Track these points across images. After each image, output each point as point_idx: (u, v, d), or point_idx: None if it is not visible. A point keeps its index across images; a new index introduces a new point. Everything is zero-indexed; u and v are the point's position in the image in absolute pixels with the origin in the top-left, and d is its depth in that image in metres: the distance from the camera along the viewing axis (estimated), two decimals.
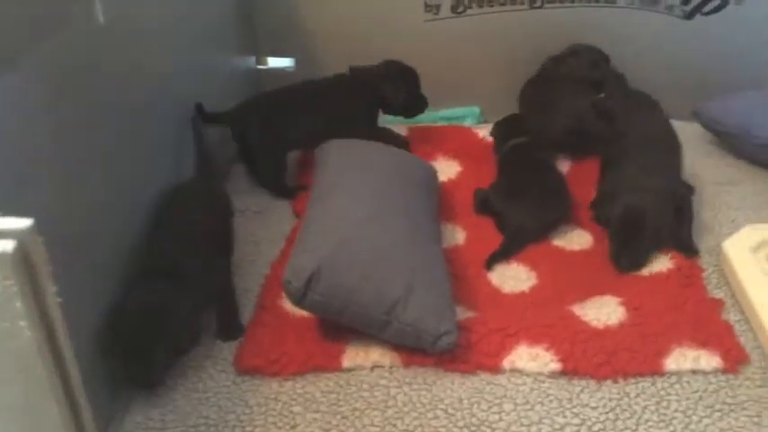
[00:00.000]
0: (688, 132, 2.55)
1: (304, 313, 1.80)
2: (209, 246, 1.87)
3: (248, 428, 1.58)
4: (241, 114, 2.32)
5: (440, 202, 2.21)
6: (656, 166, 2.11)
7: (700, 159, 2.46)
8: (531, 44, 2.67)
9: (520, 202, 2.15)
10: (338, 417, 1.60)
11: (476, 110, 2.79)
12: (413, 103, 2.49)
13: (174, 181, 1.99)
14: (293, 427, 1.58)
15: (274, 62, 2.81)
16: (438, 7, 2.66)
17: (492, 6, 2.66)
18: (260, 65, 2.81)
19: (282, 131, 2.30)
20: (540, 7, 2.65)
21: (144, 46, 1.84)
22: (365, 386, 1.66)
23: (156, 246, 1.78)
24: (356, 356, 1.73)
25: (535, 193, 2.16)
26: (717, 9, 2.61)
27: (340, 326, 1.76)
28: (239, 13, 2.61)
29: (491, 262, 2.04)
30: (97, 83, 1.60)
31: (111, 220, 1.67)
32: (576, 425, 1.57)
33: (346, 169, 2.08)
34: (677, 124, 2.48)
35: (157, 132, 1.95)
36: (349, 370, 1.71)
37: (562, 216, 2.18)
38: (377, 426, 1.57)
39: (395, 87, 2.42)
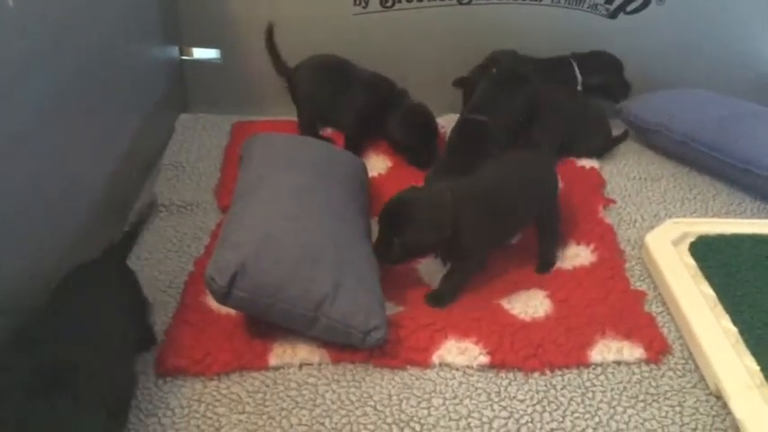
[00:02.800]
0: (611, 129, 2.62)
1: (229, 311, 1.75)
2: (113, 336, 1.49)
3: None
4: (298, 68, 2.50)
5: (369, 198, 2.19)
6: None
7: (622, 155, 2.53)
8: (458, 40, 2.69)
9: None
10: (264, 417, 1.55)
11: None
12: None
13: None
14: (217, 429, 1.52)
15: (199, 53, 2.73)
16: (367, 1, 2.64)
17: (420, 1, 2.65)
18: (184, 56, 2.72)
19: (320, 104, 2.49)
20: (467, 3, 2.65)
21: (58, 30, 1.74)
22: (293, 385, 1.63)
23: (44, 344, 1.34)
24: (284, 354, 1.69)
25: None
26: (639, 8, 2.68)
27: (267, 323, 1.72)
28: (161, 0, 2.53)
29: None
30: (5, 69, 1.50)
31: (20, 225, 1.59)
32: (504, 418, 1.58)
33: (272, 163, 2.03)
34: None
35: (68, 122, 1.84)
36: (276, 368, 1.67)
37: None
38: (305, 425, 1.54)
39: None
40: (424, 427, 1.55)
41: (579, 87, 2.56)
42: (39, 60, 1.64)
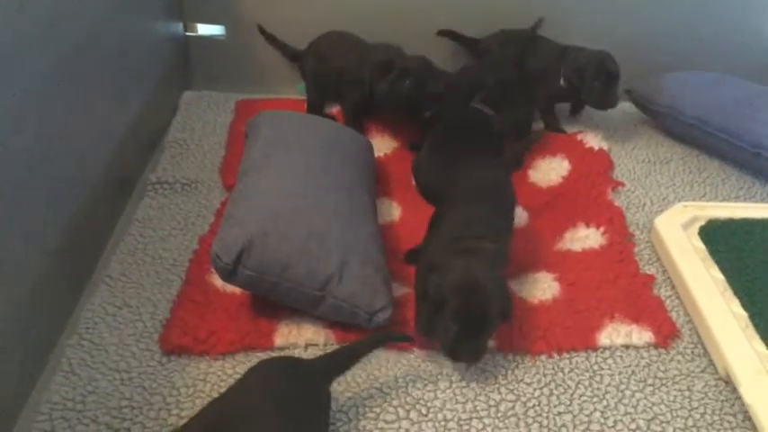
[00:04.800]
0: (619, 110, 2.59)
1: (235, 290, 1.73)
2: None
3: (175, 411, 1.50)
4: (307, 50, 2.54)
5: (376, 177, 2.16)
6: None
7: (632, 138, 2.50)
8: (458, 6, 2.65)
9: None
10: None
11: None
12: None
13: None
14: None
15: (204, 29, 2.69)
16: None
17: None
18: (188, 32, 2.68)
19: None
20: None
21: (59, 5, 1.71)
22: None
23: None
24: (289, 334, 1.67)
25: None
26: None
27: (272, 303, 1.70)
28: None
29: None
30: (8, 43, 1.48)
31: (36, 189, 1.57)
32: (512, 401, 1.56)
33: (278, 142, 2.01)
34: None
35: (71, 97, 1.81)
36: (281, 348, 1.65)
37: None
38: None
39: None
40: (431, 410, 1.53)
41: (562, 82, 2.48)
42: (40, 35, 1.61)
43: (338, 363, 1.50)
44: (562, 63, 2.45)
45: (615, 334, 1.72)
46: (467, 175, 1.93)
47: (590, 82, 2.37)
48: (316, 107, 2.48)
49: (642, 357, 1.68)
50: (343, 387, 1.57)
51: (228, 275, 1.64)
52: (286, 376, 1.35)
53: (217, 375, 1.58)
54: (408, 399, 1.55)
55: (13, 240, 1.50)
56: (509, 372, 1.63)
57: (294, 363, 1.43)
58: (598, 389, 1.61)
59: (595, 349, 1.70)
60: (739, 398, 1.56)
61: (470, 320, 1.52)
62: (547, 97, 2.52)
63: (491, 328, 1.56)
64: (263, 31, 2.61)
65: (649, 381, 1.63)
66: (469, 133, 2.21)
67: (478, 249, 1.63)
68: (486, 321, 1.54)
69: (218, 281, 1.72)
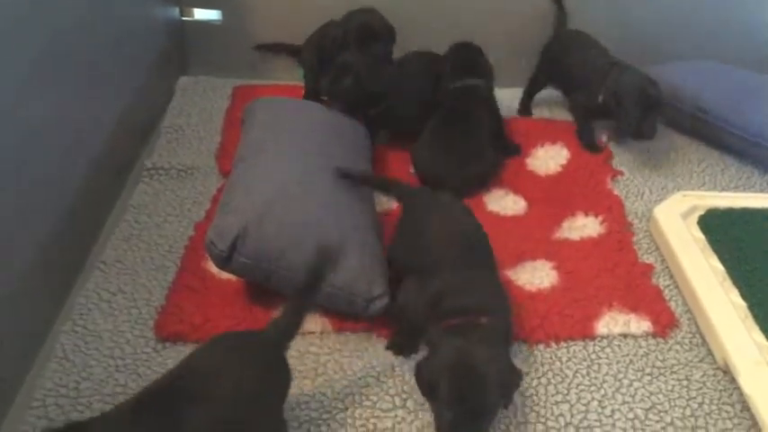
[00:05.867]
0: None
1: (230, 276, 1.72)
2: None
3: None
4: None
5: (372, 164, 2.14)
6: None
7: None
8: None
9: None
10: None
11: None
12: None
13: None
14: None
15: (200, 14, 2.66)
16: None
17: None
18: (185, 16, 2.65)
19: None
20: None
21: None
22: (294, 353, 1.60)
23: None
24: None
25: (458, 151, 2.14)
26: None
27: (268, 290, 1.68)
28: None
29: None
30: (2, 28, 1.45)
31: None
32: None
33: (275, 128, 1.99)
34: None
35: (66, 80, 1.78)
36: None
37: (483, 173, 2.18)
38: (307, 395, 1.51)
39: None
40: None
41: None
42: (36, 17, 1.58)
43: (287, 327, 1.40)
44: (605, 80, 2.26)
45: (613, 323, 1.71)
46: (438, 230, 1.65)
47: (627, 109, 2.18)
48: (313, 94, 2.45)
49: (640, 347, 1.68)
50: (339, 375, 1.56)
51: (223, 262, 1.63)
52: (239, 347, 1.33)
53: None
54: (405, 387, 1.54)
55: (6, 226, 1.48)
56: None
57: (246, 335, 1.42)
58: (596, 378, 1.60)
59: (593, 338, 1.69)
60: (738, 388, 1.56)
61: (466, 408, 1.33)
62: (584, 110, 2.37)
63: (490, 415, 1.37)
64: (261, 46, 2.60)
65: (647, 370, 1.62)
66: (467, 116, 2.19)
67: (476, 326, 1.43)
68: (484, 408, 1.35)
69: (213, 267, 1.70)
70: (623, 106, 2.19)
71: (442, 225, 1.66)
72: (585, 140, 2.35)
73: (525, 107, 2.57)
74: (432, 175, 2.12)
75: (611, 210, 2.06)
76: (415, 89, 2.30)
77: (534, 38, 2.53)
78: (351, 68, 2.19)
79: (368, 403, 1.51)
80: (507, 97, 2.50)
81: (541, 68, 2.52)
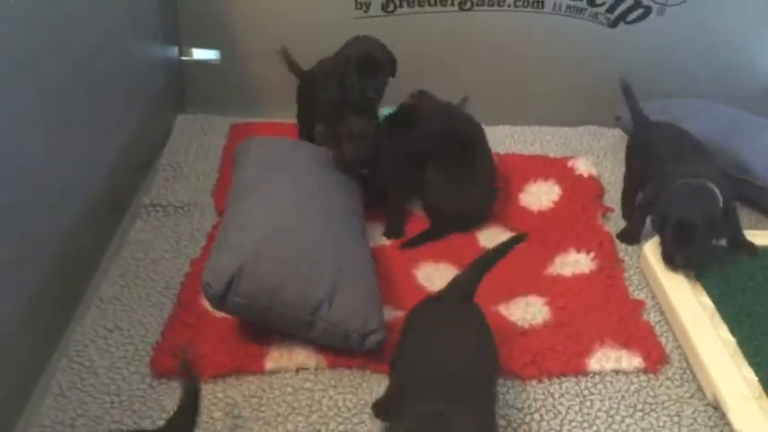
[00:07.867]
0: (609, 137, 2.64)
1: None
2: None
3: None
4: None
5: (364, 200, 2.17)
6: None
7: (620, 163, 2.51)
8: (459, 45, 2.68)
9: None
10: (260, 422, 1.54)
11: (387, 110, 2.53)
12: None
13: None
14: None
15: (199, 54, 2.72)
16: (368, 5, 2.63)
17: (422, 6, 2.65)
18: (183, 56, 2.70)
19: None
20: (469, 9, 2.65)
21: (57, 28, 1.73)
22: (289, 390, 1.61)
23: None
24: (280, 358, 1.67)
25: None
26: (640, 18, 2.67)
27: (263, 327, 1.70)
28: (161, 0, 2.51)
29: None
30: (8, 65, 1.49)
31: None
32: (502, 426, 1.56)
33: (266, 167, 2.02)
34: (599, 130, 2.55)
35: (66, 119, 1.81)
36: (272, 372, 1.65)
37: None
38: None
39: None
40: None
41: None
42: (38, 57, 1.62)
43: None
44: (661, 195, 2.04)
45: (605, 359, 1.72)
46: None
47: (663, 236, 1.97)
48: (303, 132, 2.46)
49: (632, 383, 1.69)
50: (333, 411, 1.57)
51: (219, 303, 1.65)
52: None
53: (207, 399, 1.57)
54: None
55: (4, 261, 1.50)
56: (499, 396, 1.62)
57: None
58: (588, 414, 1.61)
59: (585, 374, 1.70)
60: (728, 423, 1.57)
61: None
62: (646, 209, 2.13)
63: None
64: (285, 53, 2.43)
65: (639, 406, 1.63)
66: (471, 148, 2.24)
67: None
68: None
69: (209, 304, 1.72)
70: (661, 231, 1.99)
71: (428, 349, 1.44)
72: (630, 233, 2.18)
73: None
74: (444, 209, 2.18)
75: (603, 246, 2.09)
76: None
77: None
78: (363, 138, 2.09)
79: None
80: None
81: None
